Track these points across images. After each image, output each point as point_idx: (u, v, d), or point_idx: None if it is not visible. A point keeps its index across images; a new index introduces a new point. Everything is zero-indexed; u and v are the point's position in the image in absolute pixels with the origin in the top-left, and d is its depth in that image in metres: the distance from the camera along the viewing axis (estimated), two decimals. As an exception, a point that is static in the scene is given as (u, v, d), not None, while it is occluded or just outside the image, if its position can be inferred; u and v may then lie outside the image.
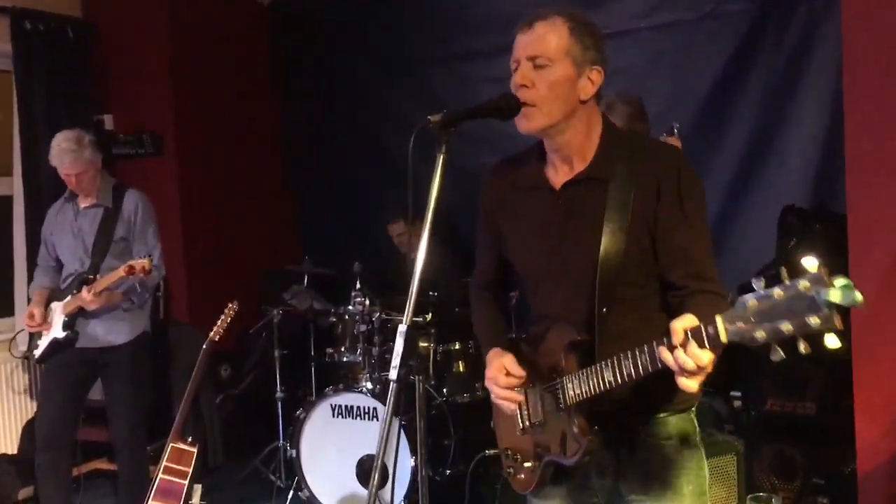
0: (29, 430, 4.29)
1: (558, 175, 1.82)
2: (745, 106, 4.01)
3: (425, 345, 3.95)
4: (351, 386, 3.87)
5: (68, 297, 3.46)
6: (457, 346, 4.08)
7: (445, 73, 4.80)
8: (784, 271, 1.31)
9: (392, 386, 1.60)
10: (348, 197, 5.18)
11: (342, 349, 4.01)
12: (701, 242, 1.73)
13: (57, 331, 3.47)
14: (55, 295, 3.58)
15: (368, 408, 3.77)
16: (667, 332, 1.46)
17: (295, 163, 5.50)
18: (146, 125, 4.78)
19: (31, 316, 3.50)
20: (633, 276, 1.73)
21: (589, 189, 1.76)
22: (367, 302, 3.96)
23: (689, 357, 1.41)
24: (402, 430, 3.46)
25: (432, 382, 3.98)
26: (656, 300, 1.77)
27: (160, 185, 4.78)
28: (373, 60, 5.05)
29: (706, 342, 1.40)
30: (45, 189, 4.33)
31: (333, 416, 3.85)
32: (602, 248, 1.70)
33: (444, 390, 4.02)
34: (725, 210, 4.10)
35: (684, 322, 1.45)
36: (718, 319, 1.39)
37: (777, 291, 1.30)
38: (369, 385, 3.82)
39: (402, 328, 1.59)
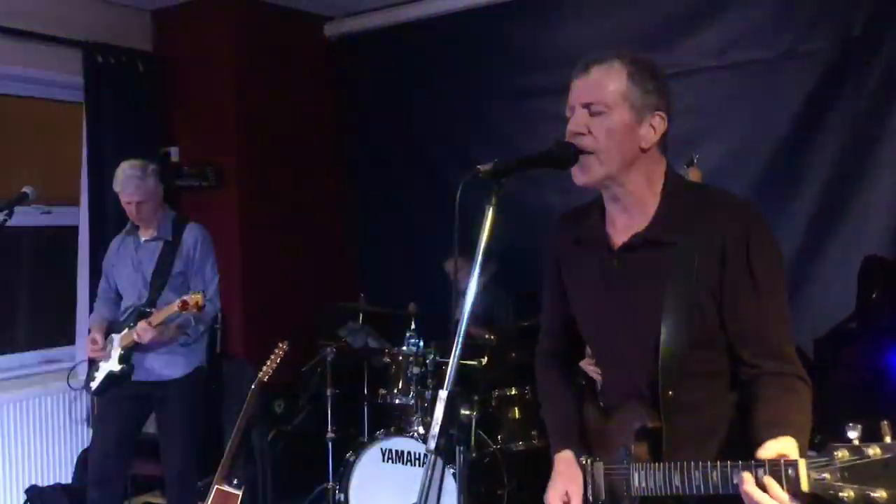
0: (83, 460, 4.31)
1: (617, 230, 1.69)
2: (824, 149, 3.79)
3: (467, 412, 3.79)
4: (403, 430, 3.76)
5: (125, 330, 3.47)
6: (512, 392, 3.95)
7: (510, 109, 4.71)
8: (886, 426, 1.16)
9: (430, 458, 1.48)
10: (407, 233, 5.11)
11: (395, 391, 3.91)
12: (775, 315, 1.57)
13: (113, 364, 3.47)
14: (114, 327, 3.59)
15: (419, 454, 3.66)
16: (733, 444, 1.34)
17: (355, 197, 5.47)
18: (210, 158, 4.82)
19: (95, 341, 3.51)
20: (700, 350, 1.58)
21: (648, 252, 1.62)
22: (421, 343, 3.86)
23: (766, 500, 1.28)
24: (452, 478, 3.33)
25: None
26: (725, 376, 1.62)
27: (222, 218, 4.81)
28: (436, 95, 5.00)
29: (784, 483, 1.26)
30: (110, 220, 4.38)
31: (384, 460, 3.75)
32: (664, 322, 1.56)
33: (499, 437, 3.89)
34: (801, 257, 3.87)
35: (765, 451, 1.31)
36: (801, 465, 1.24)
37: (875, 450, 1.15)
38: (421, 430, 3.71)
39: (442, 393, 1.48)
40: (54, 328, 4.65)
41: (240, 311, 4.80)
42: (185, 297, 3.23)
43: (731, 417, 1.61)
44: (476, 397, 3.82)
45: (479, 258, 1.55)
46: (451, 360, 1.52)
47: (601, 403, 1.79)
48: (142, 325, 3.33)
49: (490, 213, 1.55)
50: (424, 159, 5.05)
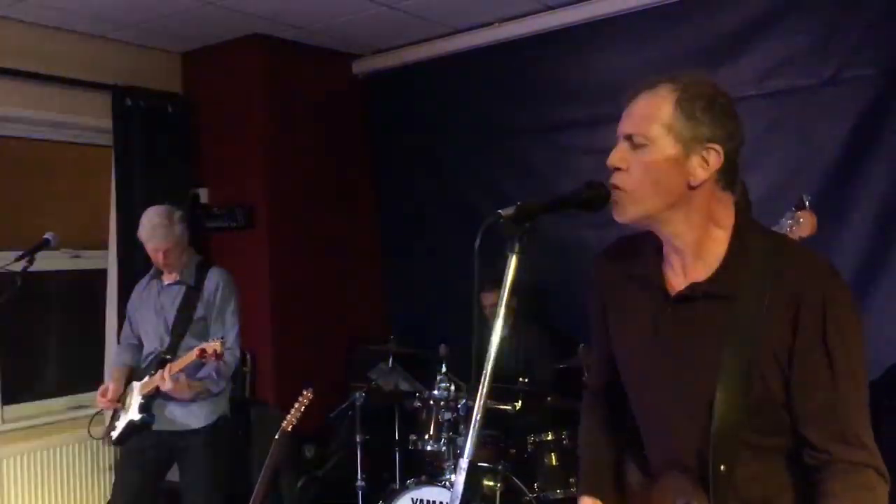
0: (108, 510, 4.23)
1: (674, 271, 1.50)
2: (872, 181, 3.61)
3: (491, 484, 3.61)
4: (434, 478, 3.61)
5: (146, 378, 3.38)
6: (549, 437, 3.77)
7: (542, 143, 4.60)
8: None
9: (452, 537, 1.34)
10: (439, 272, 4.99)
11: (426, 437, 3.76)
12: (852, 396, 1.38)
13: (133, 413, 3.38)
14: (135, 374, 3.51)
15: (452, 504, 3.50)
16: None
17: (386, 237, 5.38)
18: (239, 198, 4.77)
19: (104, 392, 3.44)
20: (757, 422, 1.41)
21: (708, 306, 1.43)
22: (453, 387, 3.72)
23: None
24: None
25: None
26: (784, 452, 1.44)
27: (251, 259, 4.75)
28: (467, 131, 4.91)
29: None
30: (139, 264, 4.31)
31: (415, 510, 3.60)
32: (720, 388, 1.38)
33: (535, 485, 3.71)
34: (852, 293, 3.67)
35: None
36: None
37: None
38: (453, 478, 3.54)
39: (462, 463, 1.34)
40: (83, 373, 4.59)
41: (269, 354, 4.71)
42: (203, 345, 3.14)
43: (788, 499, 1.44)
44: (500, 465, 3.64)
45: (502, 311, 1.42)
46: (472, 422, 1.37)
47: (644, 463, 1.63)
48: (162, 373, 3.24)
49: (513, 261, 1.42)
50: (455, 196, 4.94)
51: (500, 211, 1.41)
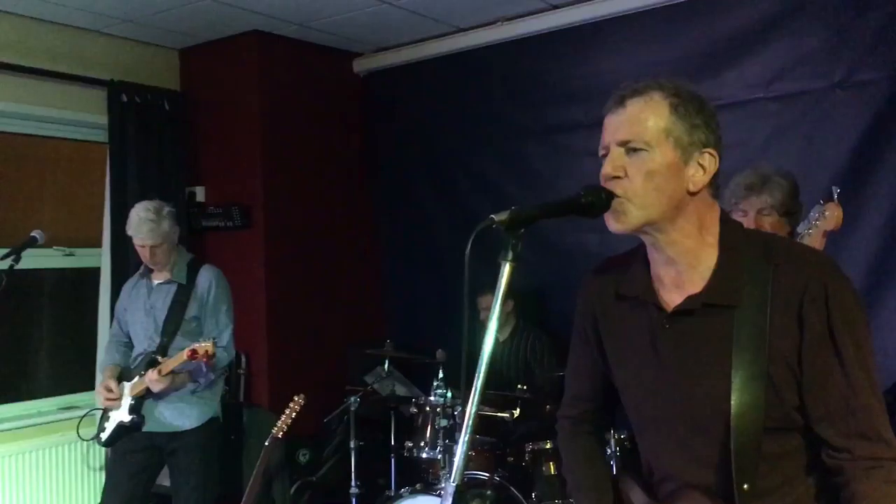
0: (98, 513, 4.15)
1: (665, 287, 1.45)
2: (883, 186, 3.53)
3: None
4: (429, 487, 3.53)
5: (136, 379, 3.31)
6: (548, 446, 3.68)
7: (543, 144, 4.52)
8: None
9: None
10: (438, 274, 4.90)
11: (421, 443, 3.68)
12: (866, 388, 1.32)
13: (123, 414, 3.32)
14: (124, 374, 3.44)
15: (447, 513, 3.41)
16: None
17: (385, 238, 5.30)
18: (236, 198, 4.69)
19: (109, 389, 3.36)
20: (774, 430, 1.35)
21: (708, 318, 1.37)
22: (449, 393, 3.64)
23: None
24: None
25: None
26: (802, 456, 1.39)
27: (247, 259, 4.68)
28: (468, 132, 4.83)
29: None
30: (132, 263, 4.24)
31: (409, 518, 3.52)
32: (734, 403, 1.32)
33: (534, 494, 3.63)
34: (863, 301, 3.58)
35: None
36: None
37: None
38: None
39: (449, 487, 1.26)
40: (75, 373, 4.52)
41: (264, 356, 4.63)
42: (194, 346, 3.08)
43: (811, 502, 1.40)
44: (489, 491, 3.54)
45: (494, 319, 1.34)
46: (460, 442, 1.29)
47: (649, 487, 1.55)
48: (151, 374, 3.18)
49: (507, 269, 1.34)
50: (455, 197, 4.86)
51: (492, 216, 1.33)
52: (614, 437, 3.33)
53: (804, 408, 1.35)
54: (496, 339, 4.05)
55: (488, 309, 4.42)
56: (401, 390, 4.35)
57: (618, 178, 1.39)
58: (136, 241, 3.34)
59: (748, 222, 2.39)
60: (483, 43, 4.63)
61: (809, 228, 2.32)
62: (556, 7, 4.33)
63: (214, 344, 3.10)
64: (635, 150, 1.37)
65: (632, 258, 1.54)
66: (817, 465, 1.37)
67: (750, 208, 2.47)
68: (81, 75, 4.33)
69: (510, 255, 1.33)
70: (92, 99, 4.38)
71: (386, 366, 4.25)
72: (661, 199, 1.37)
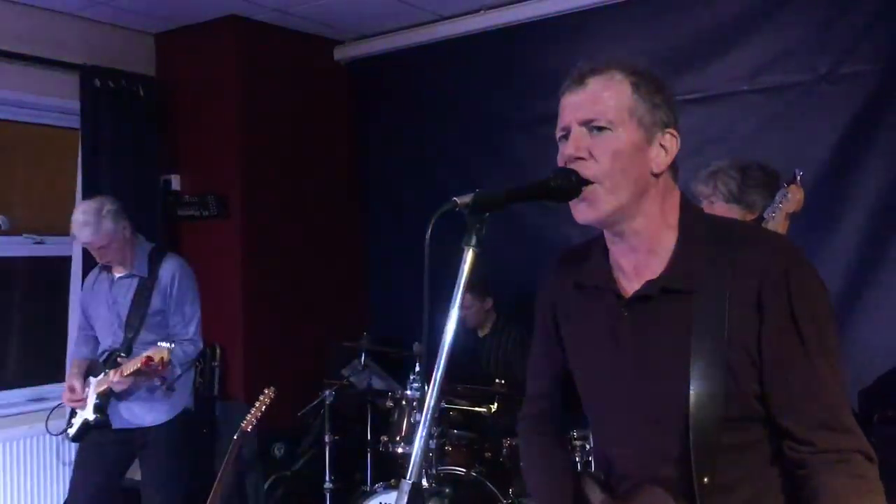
0: (67, 506, 4.06)
1: (625, 274, 1.40)
2: (868, 180, 3.48)
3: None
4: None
5: (101, 376, 3.22)
6: (526, 442, 3.63)
7: (526, 134, 4.44)
8: None
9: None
10: (420, 266, 4.82)
11: (397, 438, 3.61)
12: (828, 377, 1.28)
13: (88, 412, 3.23)
14: (94, 368, 3.35)
15: (422, 509, 3.34)
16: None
17: (367, 229, 5.21)
18: (213, 186, 4.59)
19: (72, 389, 3.27)
20: (734, 420, 1.29)
21: (667, 304, 1.33)
22: (426, 387, 3.56)
23: None
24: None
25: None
26: (762, 448, 1.33)
27: (223, 250, 4.59)
28: (451, 122, 4.75)
29: None
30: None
31: (383, 514, 3.45)
32: (693, 392, 1.26)
33: (510, 490, 3.57)
34: (844, 297, 3.54)
35: None
36: None
37: None
38: (424, 482, 3.39)
39: (405, 485, 1.19)
40: (45, 363, 4.41)
41: (240, 349, 4.54)
42: (149, 353, 2.98)
43: (776, 500, 1.34)
44: (447, 489, 3.45)
45: (455, 312, 1.27)
46: (417, 437, 1.22)
47: (606, 482, 1.48)
48: (113, 375, 3.10)
49: (469, 256, 1.27)
50: (437, 187, 4.77)
51: (455, 198, 1.26)
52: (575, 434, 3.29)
53: (765, 397, 1.29)
54: (477, 336, 3.99)
55: (467, 308, 4.37)
56: (378, 384, 4.28)
57: (581, 159, 1.33)
58: (81, 244, 3.24)
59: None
60: (467, 31, 4.54)
61: (773, 212, 2.37)
62: (539, -5, 4.26)
63: (171, 351, 3.01)
64: (599, 129, 1.32)
65: (589, 248, 1.50)
66: (780, 457, 1.32)
67: (701, 196, 2.55)
68: (53, 59, 4.22)
69: (473, 241, 1.26)
70: (64, 83, 4.27)
71: (362, 359, 4.18)
72: (629, 181, 1.32)
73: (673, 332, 1.32)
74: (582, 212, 1.35)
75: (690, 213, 1.40)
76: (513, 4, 4.35)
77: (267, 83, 4.68)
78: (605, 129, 1.32)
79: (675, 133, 1.36)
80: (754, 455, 1.33)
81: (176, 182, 4.71)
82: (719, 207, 2.49)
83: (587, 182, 1.33)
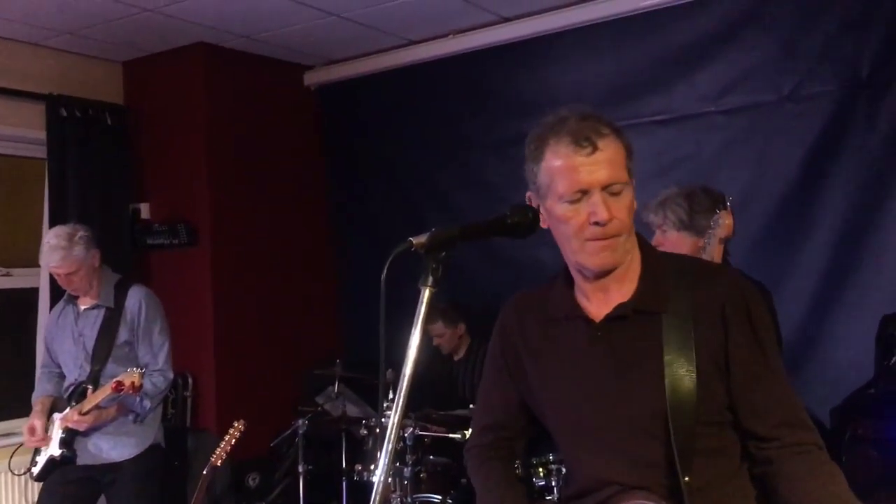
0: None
1: (593, 304, 1.49)
2: (832, 199, 3.53)
3: None
4: (379, 511, 3.42)
5: (67, 411, 3.15)
6: (502, 466, 3.61)
7: (496, 156, 4.47)
8: None
9: None
10: (394, 292, 4.81)
11: (371, 466, 3.58)
12: (784, 383, 1.46)
13: (54, 448, 3.15)
14: (58, 404, 3.28)
15: (396, 539, 3.32)
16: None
17: (341, 254, 5.18)
18: (182, 215, 4.55)
19: (32, 430, 3.20)
20: (706, 425, 1.42)
21: (640, 323, 1.44)
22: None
23: None
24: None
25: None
26: (735, 450, 1.47)
27: (194, 279, 4.55)
28: (422, 144, 4.76)
29: None
30: (72, 283, 4.10)
31: (358, 545, 3.41)
32: (669, 398, 1.39)
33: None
34: (812, 317, 3.57)
35: None
36: None
37: None
38: (399, 512, 3.37)
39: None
40: (11, 398, 4.33)
41: (212, 379, 4.49)
42: (119, 378, 2.91)
43: (743, 498, 1.47)
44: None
45: (413, 351, 1.27)
46: (379, 466, 1.21)
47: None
48: (71, 414, 3.03)
49: (426, 295, 1.27)
50: (410, 211, 4.78)
51: (411, 238, 1.27)
52: (534, 462, 3.27)
53: (733, 403, 1.43)
54: (452, 360, 3.97)
55: (439, 336, 4.35)
56: (353, 411, 4.24)
57: (612, 220, 1.41)
58: (49, 270, 3.18)
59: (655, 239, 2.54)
60: (436, 56, 4.57)
61: (708, 239, 2.45)
62: (507, 20, 4.28)
63: (142, 375, 2.95)
64: (617, 192, 1.41)
65: (550, 287, 1.59)
66: (746, 461, 1.46)
67: (653, 226, 2.59)
68: (18, 89, 4.18)
69: (430, 280, 1.29)
70: (30, 113, 4.23)
71: (336, 386, 4.14)
72: (631, 231, 1.48)
73: (646, 348, 1.43)
74: (605, 258, 1.43)
75: (648, 247, 1.54)
76: (480, 29, 4.38)
77: (236, 110, 4.66)
78: (620, 192, 1.41)
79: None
80: (726, 459, 1.45)
81: (145, 210, 4.67)
82: (671, 235, 2.53)
83: (614, 236, 1.42)
